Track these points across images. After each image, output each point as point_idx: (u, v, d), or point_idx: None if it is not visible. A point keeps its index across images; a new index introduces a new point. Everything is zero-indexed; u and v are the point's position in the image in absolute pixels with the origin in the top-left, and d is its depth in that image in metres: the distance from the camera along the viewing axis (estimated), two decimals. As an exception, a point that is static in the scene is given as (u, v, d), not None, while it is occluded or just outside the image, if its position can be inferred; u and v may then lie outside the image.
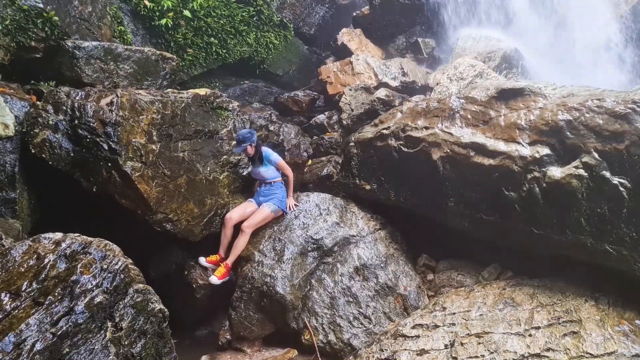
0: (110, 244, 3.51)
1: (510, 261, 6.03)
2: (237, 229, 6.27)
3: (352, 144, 6.95)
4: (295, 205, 6.51)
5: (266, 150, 6.54)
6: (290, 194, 6.60)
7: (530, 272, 5.69)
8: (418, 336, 5.07)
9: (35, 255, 3.02)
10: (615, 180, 4.67)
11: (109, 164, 5.62)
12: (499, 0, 10.46)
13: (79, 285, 3.09)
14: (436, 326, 5.11)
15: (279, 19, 10.69)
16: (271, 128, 8.15)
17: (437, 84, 8.46)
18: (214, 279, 6.03)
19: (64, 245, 3.19)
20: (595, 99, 4.98)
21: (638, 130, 4.56)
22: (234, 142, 6.67)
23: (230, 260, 6.13)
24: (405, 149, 6.24)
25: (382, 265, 6.23)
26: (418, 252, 6.76)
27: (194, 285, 6.27)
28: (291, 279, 5.90)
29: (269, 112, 8.58)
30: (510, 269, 6.04)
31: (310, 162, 8.19)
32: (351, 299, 5.87)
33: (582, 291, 5.05)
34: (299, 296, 5.84)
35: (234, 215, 6.32)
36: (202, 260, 6.37)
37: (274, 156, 6.52)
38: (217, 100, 7.20)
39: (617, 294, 4.91)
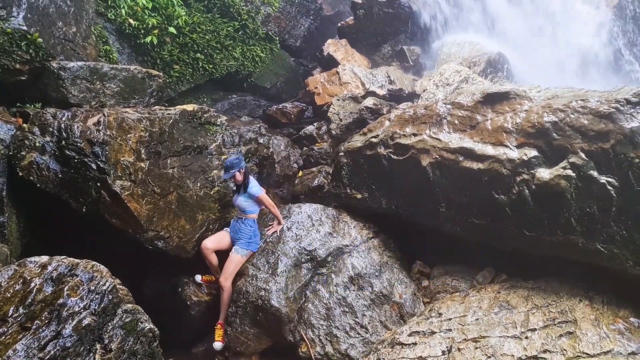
0: (98, 264, 3.48)
1: (504, 264, 6.05)
2: (218, 253, 6.21)
3: (341, 153, 6.96)
4: (276, 232, 6.31)
5: (252, 180, 6.28)
6: (280, 222, 6.35)
7: (524, 274, 5.70)
8: (415, 343, 5.06)
9: (22, 280, 2.98)
10: (603, 179, 4.69)
11: (98, 184, 5.59)
12: (480, 5, 10.58)
13: (66, 308, 3.05)
14: (433, 333, 5.10)
15: (264, 32, 10.73)
16: (260, 141, 8.15)
17: (424, 91, 8.50)
18: (217, 345, 5.89)
19: (50, 268, 3.15)
20: (579, 99, 5.03)
21: (622, 129, 4.59)
22: (222, 169, 6.44)
23: (222, 319, 5.98)
24: (395, 157, 6.25)
25: (376, 273, 6.21)
26: (412, 258, 6.75)
27: (188, 302, 6.22)
28: (286, 291, 5.86)
29: (258, 125, 8.58)
30: (504, 271, 6.06)
31: (301, 173, 8.20)
32: (347, 309, 5.84)
33: (576, 291, 5.06)
34: (294, 308, 5.80)
35: (208, 245, 6.16)
36: (198, 277, 6.35)
37: (256, 189, 6.21)
38: (205, 115, 7.19)
39: (610, 292, 4.92)
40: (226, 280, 5.94)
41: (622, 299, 4.81)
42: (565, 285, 5.19)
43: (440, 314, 5.32)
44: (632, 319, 4.56)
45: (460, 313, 5.22)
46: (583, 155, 4.82)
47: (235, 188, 6.42)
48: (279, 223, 6.36)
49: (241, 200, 6.20)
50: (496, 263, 6.13)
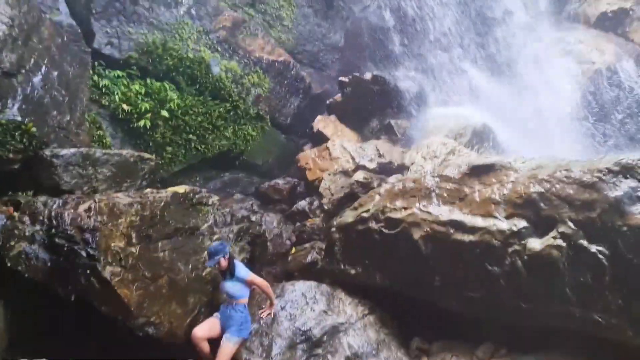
0: (78, 366, 3.36)
1: (504, 337, 5.91)
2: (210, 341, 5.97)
3: (333, 229, 6.97)
4: (270, 314, 6.14)
5: (238, 264, 6.13)
6: (272, 302, 6.18)
7: (524, 347, 5.58)
8: None
9: (1, 385, 2.88)
10: (594, 248, 4.71)
11: (88, 271, 5.51)
12: (465, 79, 10.99)
13: (46, 413, 2.93)
14: (434, 416, 4.90)
15: (255, 112, 11.01)
16: (253, 218, 8.15)
17: (412, 163, 8.65)
18: None
19: (30, 371, 3.05)
20: (563, 169, 5.13)
21: (607, 198, 4.66)
22: (207, 255, 6.19)
23: None
24: (387, 231, 6.26)
25: (373, 352, 6.04)
26: (410, 334, 6.58)
27: (180, 392, 5.98)
28: (281, 375, 5.67)
29: (250, 203, 8.63)
30: (504, 345, 5.90)
31: (294, 250, 8.14)
32: (345, 392, 5.63)
33: (578, 365, 4.92)
34: (290, 394, 5.59)
35: (199, 334, 5.90)
36: (189, 365, 6.14)
37: (244, 271, 6.02)
38: (197, 196, 7.22)
39: (614, 364, 4.80)
40: None
41: (626, 371, 4.68)
42: (567, 358, 5.06)
43: (441, 394, 5.14)
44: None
45: (461, 393, 5.04)
46: (572, 225, 4.86)
47: (221, 275, 6.18)
48: (272, 304, 6.22)
49: (230, 286, 6.00)
50: (495, 336, 5.99)
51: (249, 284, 6.05)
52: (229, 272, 6.01)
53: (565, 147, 8.66)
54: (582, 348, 5.03)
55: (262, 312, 6.19)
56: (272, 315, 6.14)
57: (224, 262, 5.96)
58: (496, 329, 5.88)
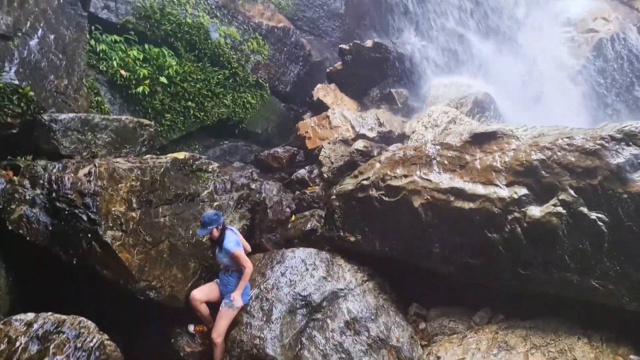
0: (85, 320, 3.41)
1: (501, 303, 5.99)
2: (209, 304, 6.07)
3: (333, 197, 6.97)
4: (238, 302, 5.89)
5: (228, 236, 5.99)
6: (239, 287, 5.92)
7: (522, 313, 5.65)
8: (414, 390, 4.95)
9: (7, 339, 2.91)
10: (593, 215, 4.72)
11: (89, 235, 5.53)
12: (466, 48, 10.86)
13: (52, 368, 2.98)
14: (431, 378, 5.00)
15: (254, 79, 10.90)
16: (253, 186, 8.16)
17: (413, 132, 8.61)
18: None
19: (36, 326, 3.09)
20: (565, 137, 5.10)
21: (609, 165, 4.65)
22: (199, 224, 6.06)
23: None
24: (387, 198, 6.26)
25: (372, 317, 6.12)
26: (408, 301, 6.67)
27: (182, 354, 6.06)
28: (281, 339, 5.74)
29: (250, 171, 8.62)
30: (502, 311, 5.98)
31: (293, 217, 8.17)
32: (344, 355, 5.70)
33: (574, 329, 5.01)
34: (290, 356, 5.66)
35: (197, 296, 6.01)
36: (191, 327, 6.21)
37: (231, 245, 5.90)
38: (197, 162, 7.22)
39: (609, 329, 4.88)
40: (219, 336, 5.76)
41: (621, 336, 4.77)
42: (564, 324, 5.14)
43: (438, 358, 5.23)
44: (632, 357, 4.50)
45: (458, 356, 5.14)
46: (572, 192, 4.86)
47: (212, 245, 6.21)
48: (238, 287, 5.93)
49: (220, 257, 6.02)
50: (493, 303, 6.07)
51: (233, 258, 5.97)
52: (218, 244, 6.00)
53: (567, 116, 8.61)
54: (579, 314, 5.11)
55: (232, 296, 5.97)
56: (235, 299, 5.89)
57: (216, 233, 5.92)
58: (494, 295, 5.95)
